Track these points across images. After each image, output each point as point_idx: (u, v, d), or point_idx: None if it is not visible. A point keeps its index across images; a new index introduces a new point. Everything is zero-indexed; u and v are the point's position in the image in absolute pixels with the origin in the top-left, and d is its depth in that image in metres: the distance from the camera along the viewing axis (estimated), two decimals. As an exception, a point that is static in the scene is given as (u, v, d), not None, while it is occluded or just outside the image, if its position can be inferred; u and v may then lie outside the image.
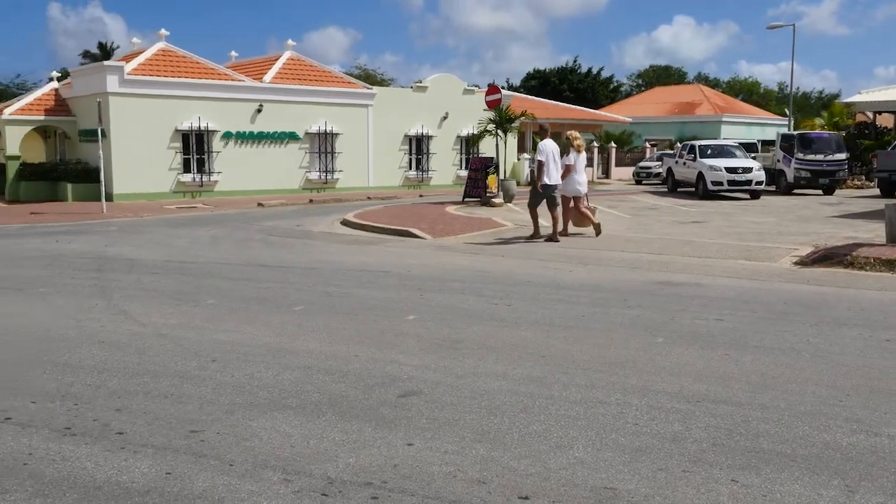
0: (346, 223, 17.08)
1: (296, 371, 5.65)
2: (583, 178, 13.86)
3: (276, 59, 28.88)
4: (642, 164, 38.16)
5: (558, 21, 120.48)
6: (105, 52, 59.46)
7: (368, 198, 26.18)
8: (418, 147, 31.42)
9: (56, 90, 27.53)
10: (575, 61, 63.66)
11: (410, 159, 31.24)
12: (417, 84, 32.24)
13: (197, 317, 7.55)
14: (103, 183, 21.63)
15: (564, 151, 13.82)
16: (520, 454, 4.11)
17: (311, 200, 25.10)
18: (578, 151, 13.89)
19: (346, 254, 12.43)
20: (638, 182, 35.93)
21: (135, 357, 6.06)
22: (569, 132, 14.64)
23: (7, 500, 3.59)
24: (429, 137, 31.37)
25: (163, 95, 24.75)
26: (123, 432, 4.44)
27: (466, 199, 22.43)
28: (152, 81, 24.66)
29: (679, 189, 26.60)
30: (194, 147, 25.66)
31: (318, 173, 28.45)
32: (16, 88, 56.75)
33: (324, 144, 28.56)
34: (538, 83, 60.90)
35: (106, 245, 13.58)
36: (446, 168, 31.99)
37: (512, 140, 26.27)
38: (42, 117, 26.43)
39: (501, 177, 22.42)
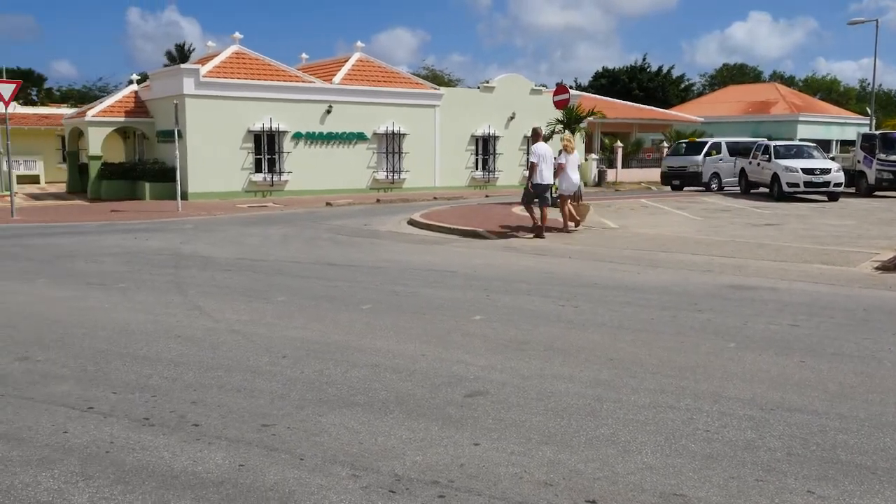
0: (412, 223, 17.21)
1: (364, 369, 5.72)
2: (575, 176, 15.20)
3: (346, 61, 29.30)
4: (714, 164, 37.23)
5: (628, 19, 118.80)
6: (182, 54, 61.41)
7: (434, 198, 26.31)
8: (485, 147, 31.42)
9: (136, 93, 28.53)
10: (644, 60, 62.72)
11: (477, 159, 31.27)
12: (484, 84, 32.25)
13: (268, 313, 7.72)
14: (179, 182, 22.34)
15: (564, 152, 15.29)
16: (587, 457, 4.08)
17: (378, 200, 25.37)
18: (569, 152, 15.23)
19: (412, 253, 12.52)
20: (709, 183, 35.11)
21: (209, 352, 6.24)
22: (563, 134, 16.26)
23: (91, 486, 3.75)
24: (495, 138, 31.34)
25: (236, 97, 25.39)
26: (199, 424, 4.58)
27: (533, 200, 22.32)
28: (226, 83, 25.32)
29: (752, 191, 25.89)
30: (265, 147, 26.25)
31: (385, 173, 28.75)
32: (98, 91, 59.19)
33: (391, 145, 28.84)
34: (607, 82, 60.18)
35: (181, 242, 14.01)
36: (512, 168, 31.91)
37: (579, 140, 25.98)
38: (122, 119, 27.43)
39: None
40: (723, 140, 30.27)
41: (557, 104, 21.79)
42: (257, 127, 25.85)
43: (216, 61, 25.98)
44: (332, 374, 5.61)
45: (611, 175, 35.87)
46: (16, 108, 33.48)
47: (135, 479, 3.84)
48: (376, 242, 14.16)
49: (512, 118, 31.38)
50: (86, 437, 4.40)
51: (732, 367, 5.74)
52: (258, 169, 26.24)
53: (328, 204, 23.68)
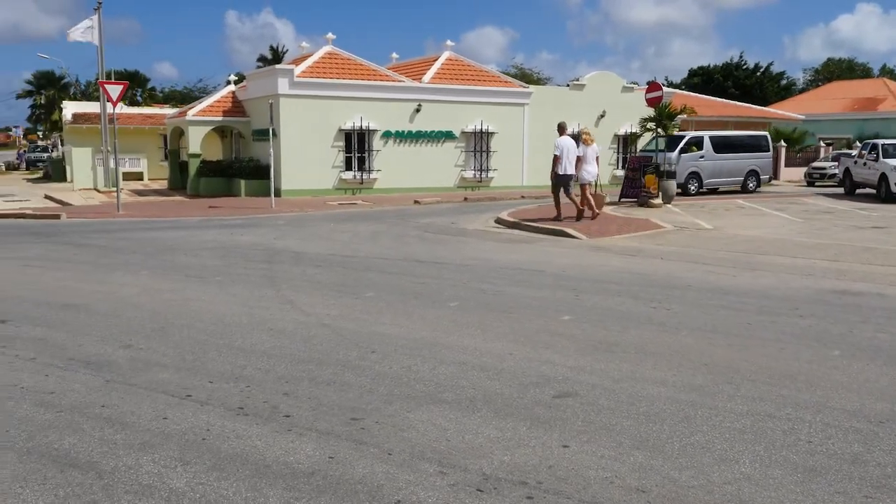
0: (499, 221, 17.16)
1: (451, 366, 5.72)
2: (594, 167, 16.61)
3: (435, 60, 29.46)
4: (815, 164, 35.63)
5: (726, 13, 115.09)
6: (276, 55, 63.17)
7: (522, 196, 26.16)
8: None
9: (233, 93, 29.50)
10: (741, 57, 60.62)
11: (565, 158, 30.91)
12: (574, 82, 31.85)
13: (357, 309, 7.83)
14: (273, 179, 22.97)
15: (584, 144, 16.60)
16: (681, 465, 3.95)
17: (465, 199, 25.41)
18: (587, 145, 16.69)
19: (499, 252, 12.47)
20: (810, 184, 33.61)
21: (301, 345, 6.37)
22: (583, 128, 18.08)
23: (188, 472, 3.88)
24: (585, 136, 30.91)
25: (328, 96, 25.90)
26: (290, 415, 4.68)
27: (623, 200, 21.90)
28: (318, 83, 25.86)
29: (857, 192, 24.63)
30: (356, 146, 26.69)
31: (472, 172, 28.77)
32: (198, 92, 61.61)
33: (479, 143, 28.83)
34: (701, 80, 58.46)
35: (274, 238, 14.39)
36: (602, 167, 31.29)
37: (671, 138, 25.31)
38: (220, 118, 28.40)
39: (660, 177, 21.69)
40: (706, 134, 26.44)
41: (650, 102, 21.31)
42: (348, 126, 26.30)
43: (309, 62, 26.57)
44: (419, 370, 5.63)
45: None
46: (122, 109, 35.20)
47: (230, 466, 3.94)
48: (463, 240, 14.18)
49: (602, 116, 30.88)
50: (184, 423, 4.55)
51: (837, 376, 5.45)
52: (348, 167, 26.70)
53: (416, 202, 23.87)
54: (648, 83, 23.82)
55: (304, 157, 25.62)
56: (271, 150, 22.93)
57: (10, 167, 54.34)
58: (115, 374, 5.55)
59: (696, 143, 25.36)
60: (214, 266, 10.82)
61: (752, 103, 45.47)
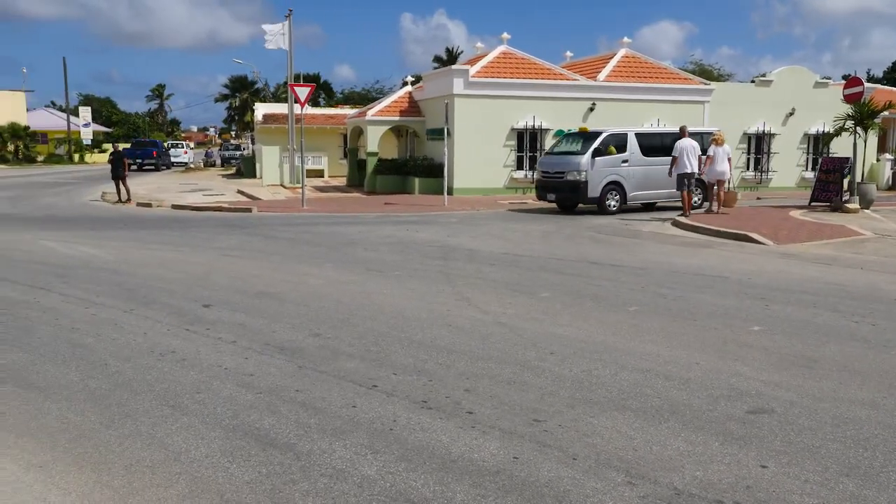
0: (676, 224, 16.50)
1: (633, 372, 5.54)
2: (722, 167, 18.04)
3: (611, 58, 28.84)
4: None
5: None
6: (451, 56, 64.51)
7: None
8: (757, 145, 29.30)
9: (409, 93, 30.43)
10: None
11: (748, 158, 29.26)
12: (760, 78, 30.04)
13: (533, 308, 7.79)
14: (446, 178, 23.44)
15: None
16: (900, 498, 3.57)
17: (638, 199, 24.68)
18: (718, 145, 18.06)
19: (677, 255, 11.99)
20: None
21: (479, 342, 6.42)
22: (714, 131, 19.46)
23: (378, 460, 4.00)
24: (770, 135, 29.09)
25: (501, 96, 26.07)
26: (473, 412, 4.71)
27: (813, 204, 20.39)
28: (492, 83, 26.09)
29: None
30: (528, 145, 26.69)
31: (646, 172, 27.90)
32: (375, 93, 64.13)
33: (654, 143, 27.90)
34: (905, 74, 53.32)
35: (448, 235, 14.67)
36: (789, 169, 29.43)
37: (872, 138, 23.23)
38: (397, 118, 29.39)
39: (858, 179, 19.99)
40: (630, 131, 19.97)
41: (848, 98, 19.69)
42: (520, 125, 26.35)
43: (484, 62, 26.86)
44: (600, 374, 5.50)
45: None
46: (307, 110, 37.33)
47: (416, 458, 4.02)
48: (638, 242, 13.76)
49: (791, 114, 28.92)
50: (371, 413, 4.71)
51: None
52: (519, 166, 26.75)
53: (587, 202, 23.47)
54: (846, 78, 22.03)
55: (477, 156, 25.94)
56: (445, 149, 23.41)
57: (208, 164, 59.19)
58: (307, 361, 5.85)
59: (618, 144, 19.55)
60: (393, 261, 11.18)
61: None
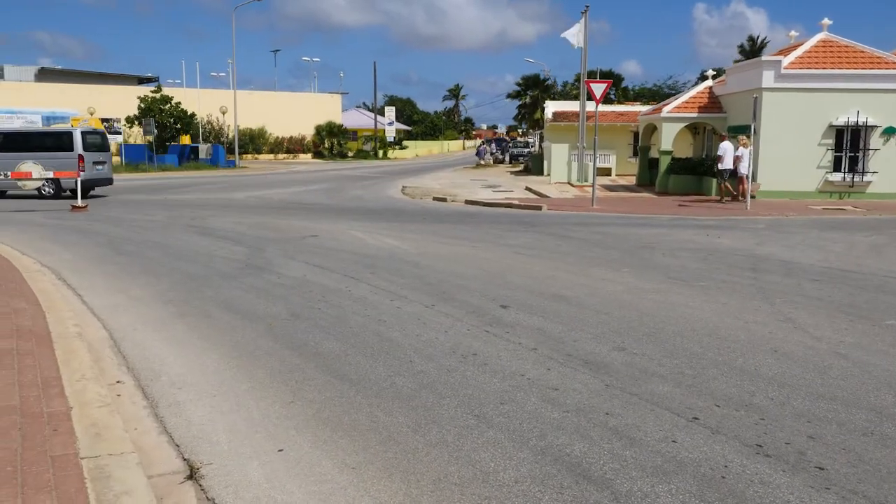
0: None
1: None
2: (744, 165, 20.76)
3: (960, 42, 24.58)
4: None
5: None
6: (754, 46, 59.96)
7: None
8: None
9: (710, 88, 28.50)
10: None
11: None
12: None
13: (878, 339, 6.55)
14: (749, 179, 21.53)
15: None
16: None
17: None
18: (746, 147, 20.55)
19: None
20: None
21: (816, 376, 5.46)
22: (740, 136, 21.49)
23: (712, 517, 3.39)
24: None
25: (818, 89, 23.35)
26: (823, 468, 3.89)
27: None
28: (807, 74, 23.46)
29: None
30: (847, 144, 23.65)
31: None
32: (668, 89, 61.63)
33: None
34: None
35: (755, 243, 13.28)
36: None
37: None
38: (695, 115, 27.67)
39: None
40: None
41: None
42: (840, 121, 23.40)
43: (799, 52, 24.24)
44: None
45: None
46: (599, 106, 36.73)
47: (760, 521, 3.35)
48: None
49: None
50: (696, 452, 4.09)
51: None
52: (836, 168, 23.81)
53: (922, 211, 20.18)
54: None
55: (784, 156, 23.51)
56: (750, 148, 21.50)
57: (497, 160, 61.13)
58: (613, 379, 5.36)
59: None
60: (695, 269, 10.28)
61: None
